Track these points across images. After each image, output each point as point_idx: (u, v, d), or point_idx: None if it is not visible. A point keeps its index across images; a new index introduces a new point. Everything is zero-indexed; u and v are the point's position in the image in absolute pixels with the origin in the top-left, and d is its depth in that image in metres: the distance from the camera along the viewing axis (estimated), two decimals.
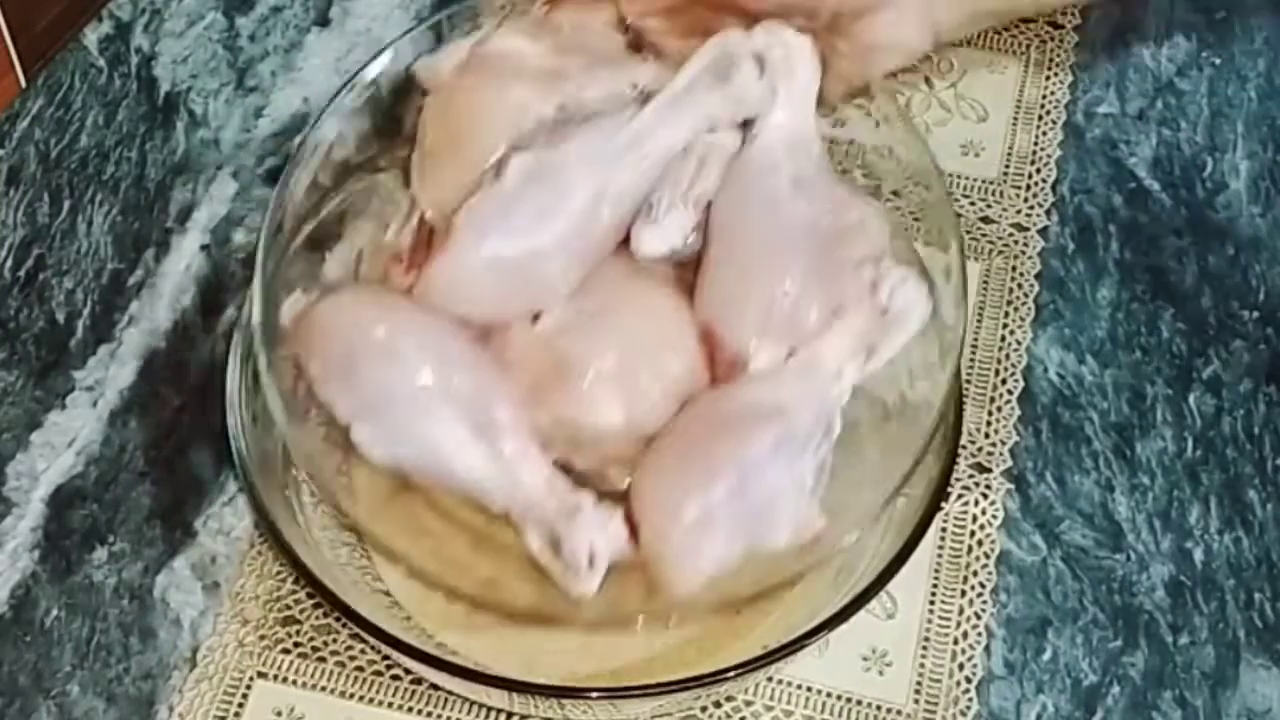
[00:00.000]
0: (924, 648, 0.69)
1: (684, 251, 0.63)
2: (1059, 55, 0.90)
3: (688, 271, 0.64)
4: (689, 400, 0.62)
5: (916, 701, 0.68)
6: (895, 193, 0.71)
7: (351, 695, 0.68)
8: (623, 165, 0.61)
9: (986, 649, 0.69)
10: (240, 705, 0.67)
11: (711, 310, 0.62)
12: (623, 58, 0.66)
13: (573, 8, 0.67)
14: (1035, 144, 0.86)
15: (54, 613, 0.69)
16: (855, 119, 0.70)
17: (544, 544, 0.60)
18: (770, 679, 0.68)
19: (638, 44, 0.69)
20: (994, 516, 0.73)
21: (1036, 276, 0.81)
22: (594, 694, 0.63)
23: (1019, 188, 0.84)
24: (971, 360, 0.78)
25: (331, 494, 0.65)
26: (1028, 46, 0.91)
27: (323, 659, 0.68)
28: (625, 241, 0.63)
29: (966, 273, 0.66)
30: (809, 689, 0.68)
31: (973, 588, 0.71)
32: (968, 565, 0.71)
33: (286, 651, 0.69)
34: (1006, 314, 0.79)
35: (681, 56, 0.65)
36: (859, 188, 0.67)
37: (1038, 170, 0.85)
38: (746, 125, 0.64)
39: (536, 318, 0.61)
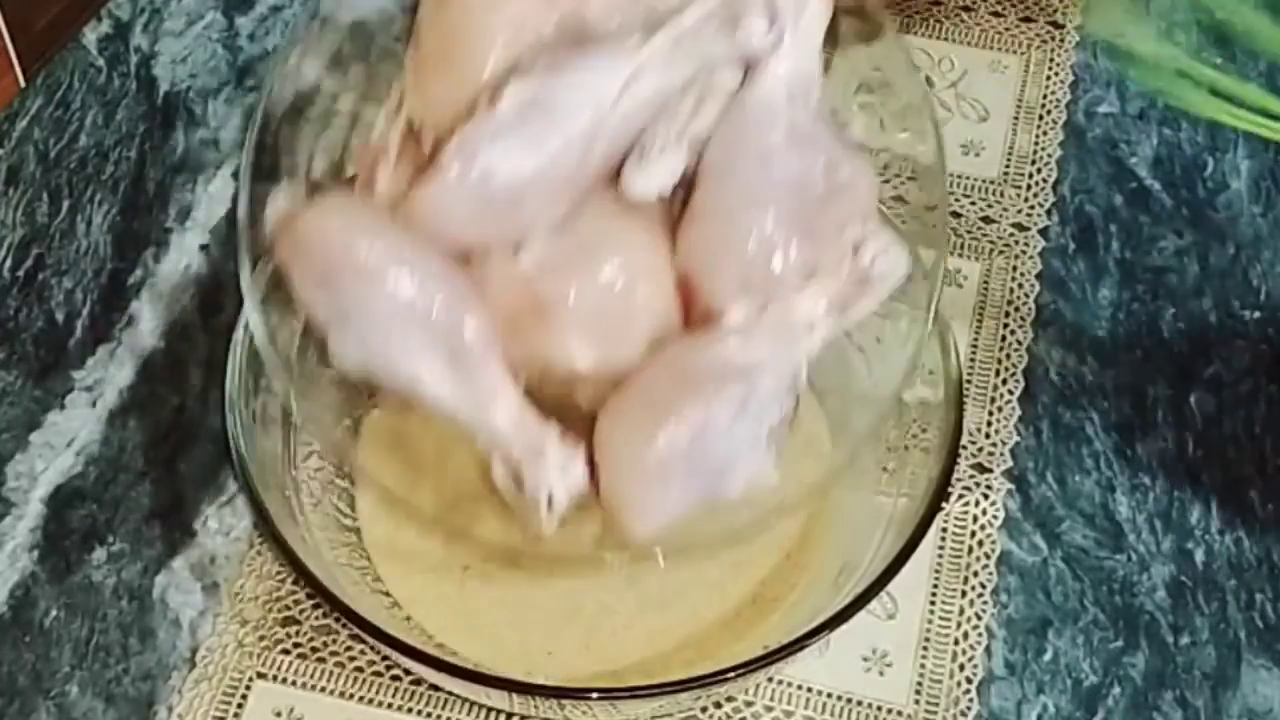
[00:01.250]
0: (924, 648, 0.69)
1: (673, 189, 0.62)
2: (1059, 55, 0.90)
3: (675, 205, 0.62)
4: (662, 346, 0.61)
5: (917, 702, 0.68)
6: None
7: (351, 696, 0.68)
8: (619, 101, 0.59)
9: (987, 649, 0.69)
10: (240, 706, 0.67)
11: (692, 260, 0.61)
12: None
13: None
14: (1036, 144, 0.86)
15: (53, 613, 0.69)
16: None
17: (507, 478, 0.61)
18: (771, 679, 0.68)
19: None
20: (995, 517, 0.73)
21: (1037, 276, 0.81)
22: (594, 694, 0.63)
23: (1020, 187, 0.84)
24: (972, 360, 0.78)
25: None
26: (1028, 46, 0.91)
27: (322, 659, 0.68)
28: (615, 175, 0.61)
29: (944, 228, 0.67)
30: (809, 689, 0.68)
31: (973, 588, 0.71)
32: (968, 566, 0.71)
33: (286, 652, 0.69)
34: (1007, 314, 0.79)
35: None
36: (852, 141, 0.64)
37: (1038, 170, 0.85)
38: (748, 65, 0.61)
39: (518, 249, 0.61)
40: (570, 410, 0.62)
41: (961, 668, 0.69)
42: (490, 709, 0.67)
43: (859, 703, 0.68)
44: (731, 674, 0.61)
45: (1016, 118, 0.88)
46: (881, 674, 0.68)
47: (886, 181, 0.68)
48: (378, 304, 0.60)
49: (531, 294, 0.60)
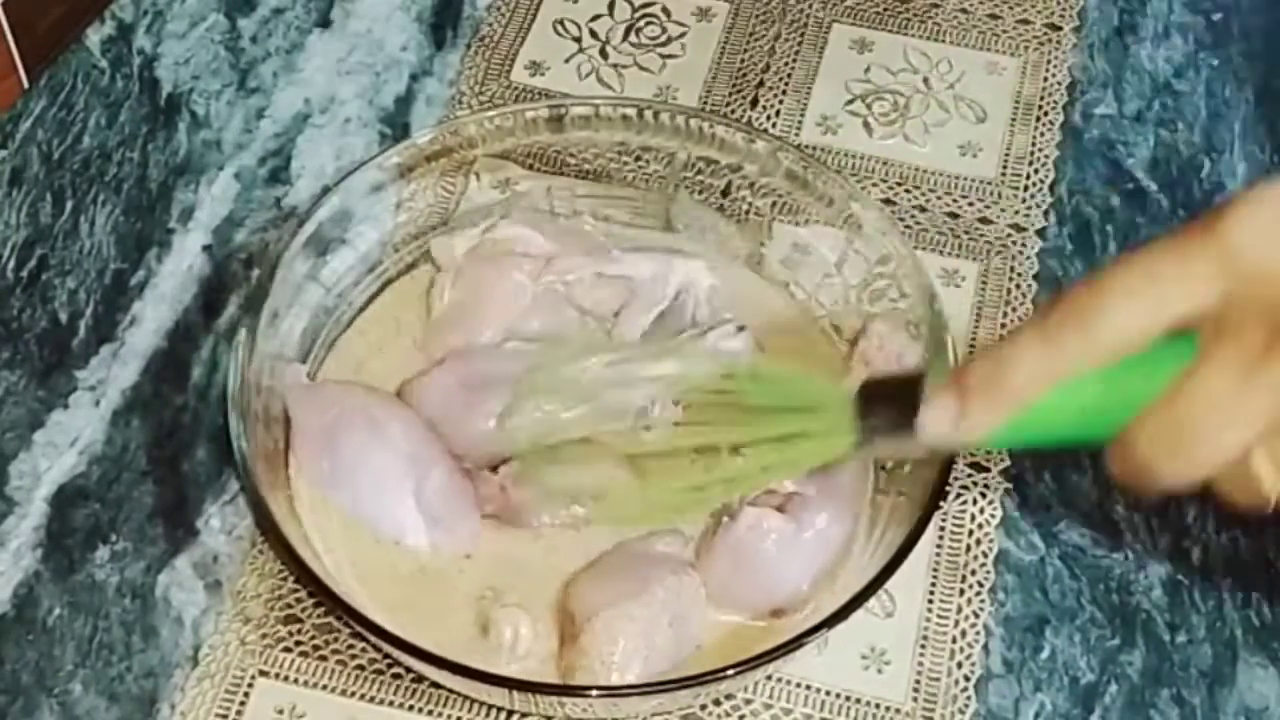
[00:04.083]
0: (923, 646, 0.69)
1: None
2: (1057, 56, 0.91)
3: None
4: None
5: (915, 700, 0.68)
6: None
7: (353, 694, 0.68)
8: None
9: (985, 647, 0.69)
10: (242, 704, 0.67)
11: None
12: (603, 247, 0.77)
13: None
14: (1033, 145, 0.87)
15: (56, 611, 0.69)
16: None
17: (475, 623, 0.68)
18: (769, 677, 0.68)
19: None
20: (992, 515, 0.73)
21: (1034, 277, 0.81)
22: (594, 691, 0.63)
23: (1017, 188, 0.85)
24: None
25: None
26: (1025, 48, 0.91)
27: (324, 657, 0.69)
28: None
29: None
30: (808, 687, 0.68)
31: (971, 586, 0.71)
32: (966, 564, 0.72)
33: (288, 650, 0.69)
34: (1004, 314, 0.80)
35: None
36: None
37: (1035, 171, 0.85)
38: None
39: (496, 469, 0.71)
40: None
41: (959, 665, 0.69)
42: (490, 707, 0.67)
43: (857, 700, 0.68)
44: (730, 672, 0.62)
45: (1014, 119, 0.88)
46: (880, 672, 0.69)
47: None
48: (379, 458, 0.70)
49: (510, 498, 0.70)
